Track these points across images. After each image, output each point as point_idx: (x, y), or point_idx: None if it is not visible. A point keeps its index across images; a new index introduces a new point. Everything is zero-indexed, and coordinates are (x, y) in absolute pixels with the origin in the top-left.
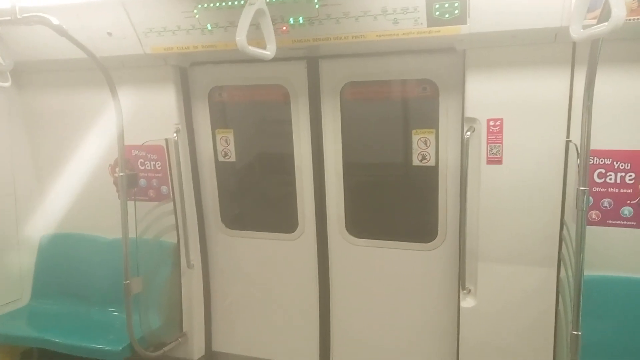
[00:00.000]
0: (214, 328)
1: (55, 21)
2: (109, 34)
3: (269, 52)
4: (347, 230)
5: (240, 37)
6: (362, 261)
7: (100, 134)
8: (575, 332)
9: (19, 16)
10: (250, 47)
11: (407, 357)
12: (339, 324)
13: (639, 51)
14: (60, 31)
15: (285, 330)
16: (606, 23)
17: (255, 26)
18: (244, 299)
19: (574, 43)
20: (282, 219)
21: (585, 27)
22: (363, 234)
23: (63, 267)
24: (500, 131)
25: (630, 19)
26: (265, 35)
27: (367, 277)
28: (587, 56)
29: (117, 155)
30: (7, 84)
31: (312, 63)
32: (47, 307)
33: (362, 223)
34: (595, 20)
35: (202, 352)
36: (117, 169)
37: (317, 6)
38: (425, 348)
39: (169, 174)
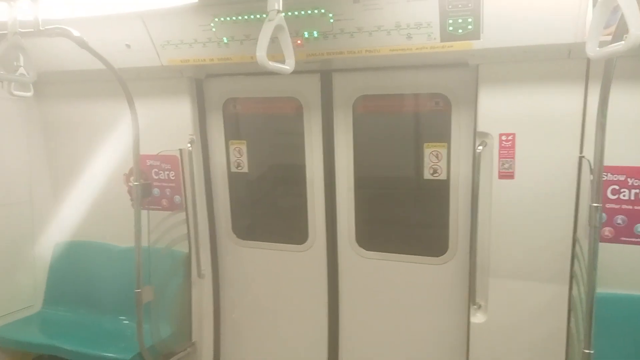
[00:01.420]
0: (222, 338)
1: (76, 33)
2: (128, 46)
3: (288, 66)
4: (358, 242)
5: (261, 52)
6: (372, 274)
7: (116, 143)
8: (587, 351)
9: (41, 28)
10: (270, 63)
11: None
12: (347, 336)
13: None
14: (81, 43)
15: (294, 342)
16: (623, 42)
17: (271, 40)
18: (254, 309)
19: (588, 59)
20: (293, 231)
21: (600, 43)
22: (373, 246)
23: (76, 274)
24: (513, 146)
25: None
26: (284, 49)
27: (377, 290)
28: (601, 72)
29: (132, 164)
30: (29, 94)
31: (326, 76)
32: (59, 315)
33: (373, 236)
34: (610, 36)
35: None
36: (131, 178)
37: (331, 21)
38: None
39: (182, 183)
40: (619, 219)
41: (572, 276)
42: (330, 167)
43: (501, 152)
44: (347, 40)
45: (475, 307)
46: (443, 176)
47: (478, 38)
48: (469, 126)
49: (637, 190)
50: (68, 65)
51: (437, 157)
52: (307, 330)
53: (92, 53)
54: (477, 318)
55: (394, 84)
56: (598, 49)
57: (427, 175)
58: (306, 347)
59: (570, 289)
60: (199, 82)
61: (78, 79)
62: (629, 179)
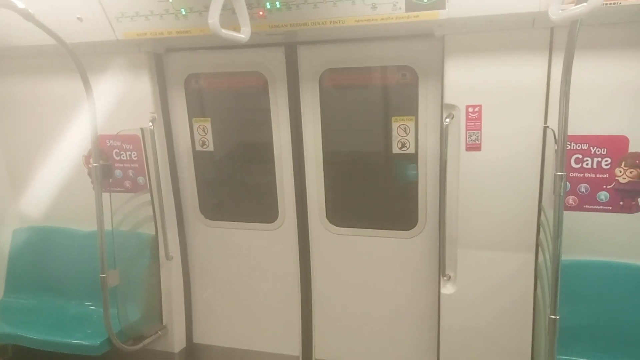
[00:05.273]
0: (194, 320)
1: (21, 5)
2: (79, 18)
3: (243, 35)
4: (328, 219)
5: (213, 19)
6: (343, 250)
7: (74, 123)
8: (553, 316)
9: None
10: (223, 30)
11: (388, 344)
12: (320, 312)
13: (615, 37)
14: (27, 15)
15: (267, 321)
16: (585, 4)
17: (231, 11)
18: (225, 290)
19: (552, 29)
20: (262, 209)
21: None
22: (344, 222)
23: (37, 261)
24: (479, 117)
25: (607, 4)
26: (239, 17)
27: (348, 266)
28: (564, 42)
29: (91, 145)
30: None
31: (290, 49)
32: (21, 303)
33: (343, 211)
34: (573, 5)
35: (183, 345)
36: (91, 160)
37: None
38: (407, 334)
39: (145, 164)
40: (582, 187)
41: (537, 244)
42: (298, 143)
43: (468, 124)
44: (310, 11)
45: (445, 278)
46: (411, 150)
47: (443, 7)
48: (436, 98)
49: (599, 159)
50: (17, 40)
51: (405, 130)
52: (279, 309)
53: (39, 26)
54: (447, 289)
55: (361, 56)
56: (560, 11)
57: (395, 149)
58: (280, 325)
59: (536, 257)
60: (159, 57)
61: (30, 54)
62: (591, 148)
